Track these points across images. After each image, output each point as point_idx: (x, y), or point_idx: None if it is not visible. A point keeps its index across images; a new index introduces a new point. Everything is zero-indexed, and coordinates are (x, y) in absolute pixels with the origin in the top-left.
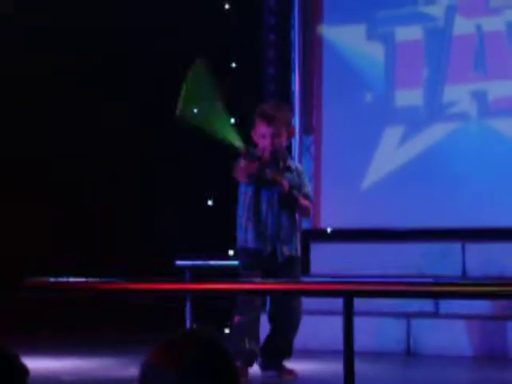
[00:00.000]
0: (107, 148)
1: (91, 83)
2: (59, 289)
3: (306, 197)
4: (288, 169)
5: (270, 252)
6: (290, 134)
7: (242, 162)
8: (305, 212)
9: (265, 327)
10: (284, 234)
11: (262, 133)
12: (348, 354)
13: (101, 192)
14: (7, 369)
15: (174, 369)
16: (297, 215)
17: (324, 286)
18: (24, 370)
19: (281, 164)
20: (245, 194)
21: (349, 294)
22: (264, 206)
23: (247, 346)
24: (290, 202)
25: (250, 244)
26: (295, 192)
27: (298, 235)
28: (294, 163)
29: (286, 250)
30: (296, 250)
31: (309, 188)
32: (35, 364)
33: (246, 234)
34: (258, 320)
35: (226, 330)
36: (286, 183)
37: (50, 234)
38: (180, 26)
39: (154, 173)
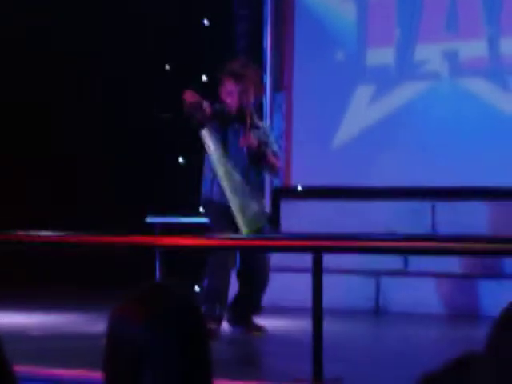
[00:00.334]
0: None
1: None
2: (30, 242)
3: (274, 154)
4: (255, 126)
5: None
6: (259, 93)
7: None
8: (272, 169)
9: (234, 284)
10: (252, 190)
11: (229, 90)
12: (317, 309)
13: (74, 150)
14: None
15: (141, 321)
16: (264, 173)
17: (294, 242)
18: None
19: (248, 121)
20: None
21: (318, 250)
22: (232, 161)
23: (217, 311)
24: (258, 158)
25: (215, 197)
26: (264, 148)
27: (264, 193)
28: (263, 122)
29: (254, 206)
30: (263, 205)
31: (276, 146)
32: (3, 319)
33: (211, 187)
34: (227, 283)
35: (196, 288)
36: (254, 139)
37: (21, 187)
38: None
39: (128, 132)
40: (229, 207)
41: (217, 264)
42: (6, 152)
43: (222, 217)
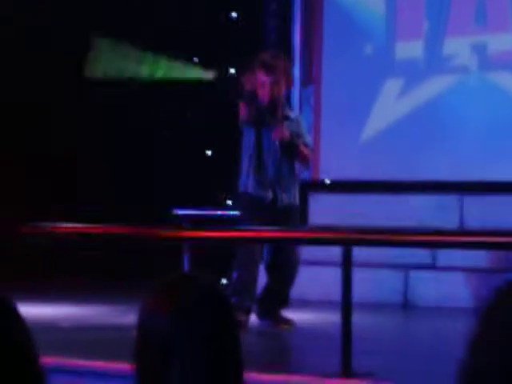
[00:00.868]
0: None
1: None
2: (60, 234)
3: (306, 145)
4: (287, 117)
5: (271, 199)
6: (289, 84)
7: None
8: (304, 160)
9: (262, 277)
10: (284, 181)
11: (261, 81)
12: (346, 303)
13: (100, 143)
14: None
15: (170, 312)
16: (296, 164)
17: (324, 234)
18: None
19: (279, 112)
20: (247, 141)
21: (348, 243)
22: (265, 153)
23: (245, 304)
24: (291, 150)
25: (251, 189)
26: (296, 139)
27: (297, 185)
28: (294, 113)
29: (285, 197)
30: (294, 198)
31: (308, 137)
32: (32, 310)
33: (247, 180)
34: (256, 276)
35: (224, 281)
36: (286, 131)
37: (47, 181)
38: None
39: (154, 124)
40: (264, 200)
41: (245, 257)
42: (5, 152)
43: (255, 210)
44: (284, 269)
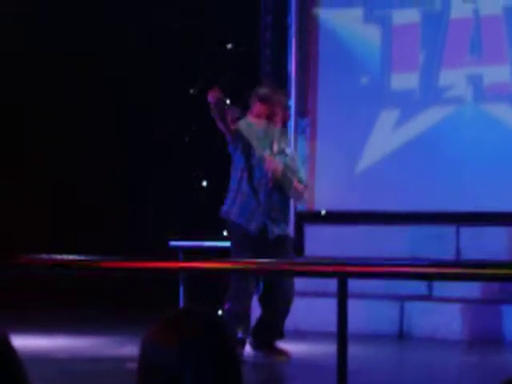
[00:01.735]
0: (99, 130)
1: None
2: (55, 266)
3: (300, 181)
4: (282, 151)
5: (260, 230)
6: (285, 118)
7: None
8: (298, 195)
9: (257, 308)
10: (275, 212)
11: (257, 114)
12: (342, 335)
13: (94, 171)
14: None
15: (174, 345)
16: (288, 196)
17: (319, 267)
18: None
19: (275, 146)
20: (237, 169)
21: (343, 275)
22: (256, 184)
23: (239, 335)
24: (283, 183)
25: (233, 217)
26: (290, 175)
27: (288, 215)
28: (289, 149)
29: (275, 228)
30: (286, 229)
31: (302, 173)
32: (27, 342)
33: (231, 206)
34: (248, 307)
35: (219, 312)
36: (279, 164)
37: (42, 211)
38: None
39: (149, 153)
40: (247, 229)
41: (238, 288)
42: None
43: (244, 239)
44: (278, 301)
